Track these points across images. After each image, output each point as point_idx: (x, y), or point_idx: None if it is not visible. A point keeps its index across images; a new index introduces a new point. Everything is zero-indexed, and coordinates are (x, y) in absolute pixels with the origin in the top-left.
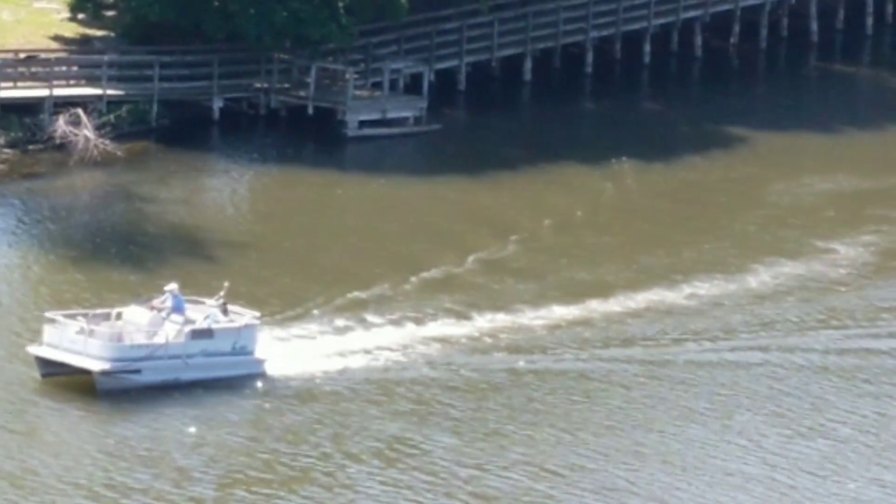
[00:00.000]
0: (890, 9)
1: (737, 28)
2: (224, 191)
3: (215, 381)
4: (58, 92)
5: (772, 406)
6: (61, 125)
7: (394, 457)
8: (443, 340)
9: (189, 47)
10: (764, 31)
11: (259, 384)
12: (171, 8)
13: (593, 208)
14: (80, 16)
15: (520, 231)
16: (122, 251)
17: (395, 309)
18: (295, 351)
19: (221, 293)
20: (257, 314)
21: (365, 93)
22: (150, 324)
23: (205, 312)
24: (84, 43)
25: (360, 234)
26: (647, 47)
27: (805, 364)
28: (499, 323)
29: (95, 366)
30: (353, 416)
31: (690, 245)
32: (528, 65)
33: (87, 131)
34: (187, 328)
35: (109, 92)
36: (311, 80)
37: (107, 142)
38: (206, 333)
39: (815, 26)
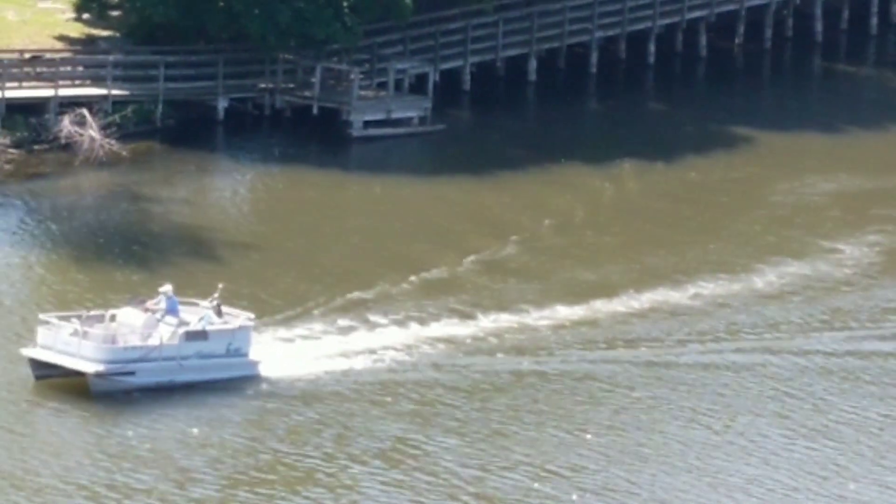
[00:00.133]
0: (895, 9)
1: (741, 28)
2: (228, 191)
3: (209, 382)
4: (63, 92)
5: (775, 407)
6: (66, 125)
7: (396, 458)
8: (446, 341)
9: (194, 47)
10: (768, 32)
11: (262, 385)
12: (176, 8)
13: (597, 208)
14: (85, 16)
15: (524, 231)
16: (126, 251)
17: (398, 309)
18: (297, 351)
19: (216, 294)
20: (251, 316)
21: (370, 93)
22: (144, 326)
23: (199, 314)
24: (89, 43)
25: (363, 234)
26: (652, 47)
27: (809, 365)
28: (502, 323)
29: (89, 368)
30: (355, 416)
31: (695, 245)
32: (533, 65)
33: (92, 131)
34: (181, 330)
35: (114, 92)
36: (315, 80)
37: (112, 142)
38: (201, 335)
39: (819, 26)
